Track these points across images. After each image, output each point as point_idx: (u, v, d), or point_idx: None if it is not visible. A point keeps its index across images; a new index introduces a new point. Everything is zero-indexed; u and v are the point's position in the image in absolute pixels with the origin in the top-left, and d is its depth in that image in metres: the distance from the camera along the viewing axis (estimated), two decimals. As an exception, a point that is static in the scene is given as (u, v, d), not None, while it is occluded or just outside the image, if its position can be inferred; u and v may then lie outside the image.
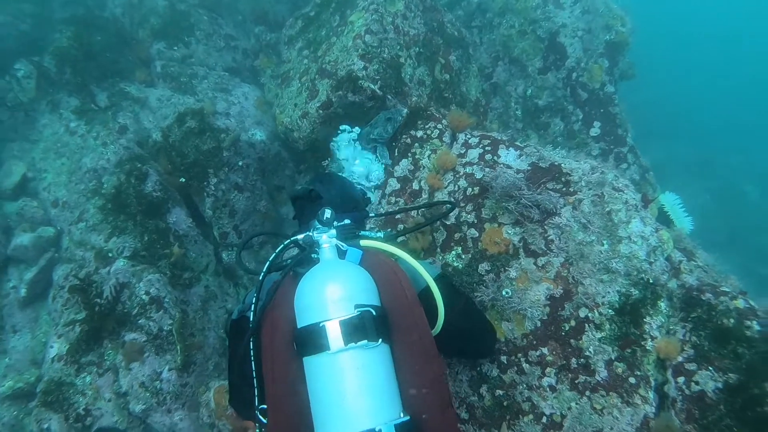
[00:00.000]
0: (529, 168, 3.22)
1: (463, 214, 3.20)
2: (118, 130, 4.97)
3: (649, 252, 2.81)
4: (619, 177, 3.06)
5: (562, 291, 2.82)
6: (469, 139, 3.50)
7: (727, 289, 2.71)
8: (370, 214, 2.96)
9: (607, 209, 2.90)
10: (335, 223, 2.19)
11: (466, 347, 2.52)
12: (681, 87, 15.25)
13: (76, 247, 4.42)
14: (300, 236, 2.10)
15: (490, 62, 5.19)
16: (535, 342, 2.79)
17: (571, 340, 2.72)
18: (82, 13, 6.40)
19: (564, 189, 3.08)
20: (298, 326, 1.76)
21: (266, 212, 5.10)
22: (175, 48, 5.94)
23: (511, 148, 3.36)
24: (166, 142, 4.73)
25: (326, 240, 2.03)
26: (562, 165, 3.16)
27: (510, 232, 3.05)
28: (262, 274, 2.02)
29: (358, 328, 1.68)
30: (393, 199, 3.46)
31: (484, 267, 3.02)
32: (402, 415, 1.63)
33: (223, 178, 4.73)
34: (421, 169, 3.48)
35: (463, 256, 3.11)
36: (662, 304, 2.76)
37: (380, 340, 1.70)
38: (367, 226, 3.45)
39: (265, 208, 5.11)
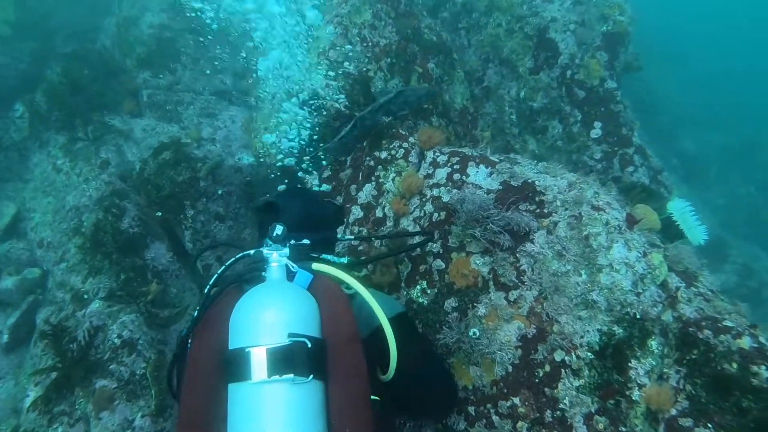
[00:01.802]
0: (500, 187, 2.86)
1: (429, 243, 2.87)
2: (100, 165, 4.90)
3: (636, 281, 2.41)
4: (600, 193, 2.66)
5: (535, 330, 2.46)
6: (438, 157, 3.17)
7: (730, 324, 2.27)
8: (343, 237, 2.81)
9: (585, 233, 2.52)
10: (292, 241, 2.03)
11: (421, 402, 2.20)
12: (717, 69, 14.21)
13: (58, 288, 4.35)
14: (252, 251, 1.98)
15: (480, 65, 4.82)
16: (505, 390, 2.44)
17: (546, 389, 2.35)
18: (75, 47, 6.43)
19: (538, 210, 2.71)
20: (229, 347, 1.61)
21: (252, 240, 4.91)
22: (161, 76, 5.86)
23: (481, 165, 3.01)
24: (141, 175, 4.61)
25: (276, 258, 1.87)
26: (536, 182, 2.79)
27: (479, 262, 2.70)
28: (207, 287, 1.91)
29: (287, 360, 1.51)
30: (356, 229, 3.17)
31: (450, 303, 2.69)
32: None
33: (202, 209, 4.56)
34: (385, 194, 3.18)
35: (429, 291, 2.79)
36: (653, 343, 2.35)
37: (311, 376, 1.52)
38: (339, 249, 3.21)
39: (251, 236, 4.92)
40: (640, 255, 2.45)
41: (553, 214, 2.65)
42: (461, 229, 2.76)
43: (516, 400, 2.39)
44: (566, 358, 2.36)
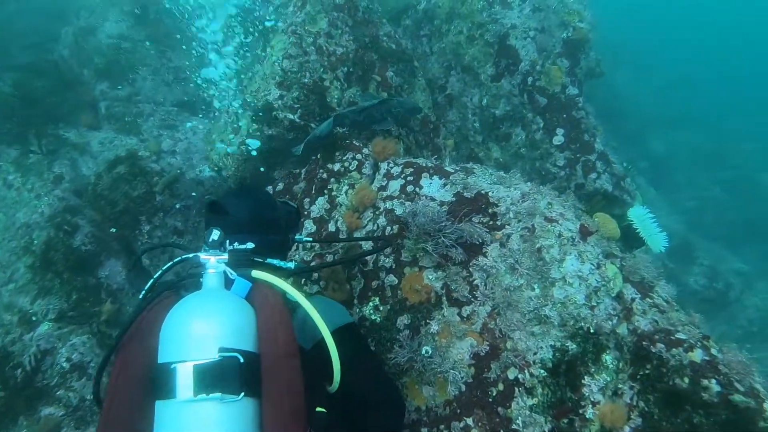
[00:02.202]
0: (453, 199, 2.79)
1: (381, 257, 2.79)
2: (53, 180, 4.71)
3: (590, 294, 2.34)
4: (554, 204, 2.60)
5: (488, 347, 2.38)
6: (392, 168, 3.09)
7: (683, 336, 2.22)
8: (300, 239, 2.60)
9: (537, 245, 2.45)
10: (235, 245, 1.91)
11: (365, 415, 2.06)
12: (684, 73, 14.46)
13: (5, 310, 4.15)
14: (192, 254, 1.84)
15: (443, 72, 4.77)
16: (459, 410, 2.35)
17: (499, 408, 2.27)
18: (31, 58, 6.24)
19: (491, 222, 2.64)
20: (158, 361, 1.49)
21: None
22: (120, 87, 5.70)
23: (435, 177, 2.93)
24: (95, 191, 4.44)
25: (213, 264, 1.71)
26: (490, 193, 2.72)
27: (431, 277, 2.62)
28: (143, 291, 1.81)
29: (215, 377, 1.40)
30: (309, 244, 3.06)
31: (403, 320, 2.60)
32: None
33: (159, 224, 4.41)
34: (337, 207, 3.08)
35: (381, 308, 2.69)
36: (607, 358, 2.29)
37: (242, 394, 1.42)
38: (295, 255, 3.07)
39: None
40: (593, 267, 2.39)
41: (506, 227, 2.58)
42: (413, 243, 2.67)
43: (469, 421, 2.30)
44: (519, 375, 2.28)
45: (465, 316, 2.48)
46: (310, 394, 1.62)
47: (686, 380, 2.06)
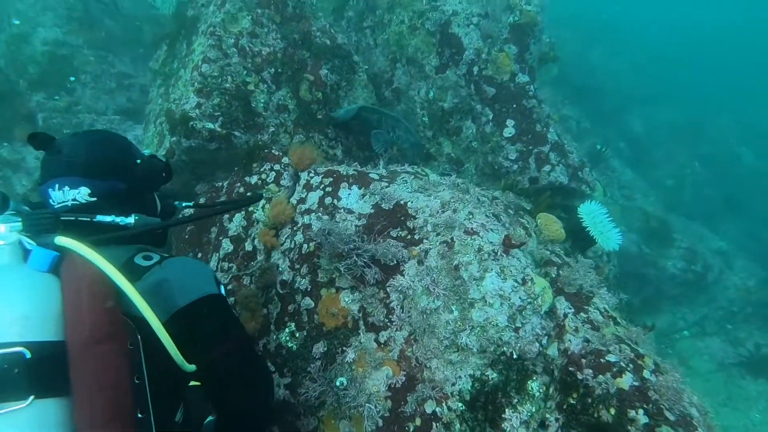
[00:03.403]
0: (371, 210, 2.55)
1: (297, 278, 2.55)
2: (-18, 202, 4.45)
3: (513, 315, 2.12)
4: (475, 214, 2.36)
5: (404, 378, 2.16)
6: (312, 178, 2.84)
7: (613, 358, 2.00)
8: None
9: (455, 263, 2.22)
10: (65, 189, 1.56)
11: (232, 397, 1.76)
12: (661, 49, 14.10)
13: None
14: None
15: (389, 65, 4.50)
16: (375, 449, 2.13)
17: (416, 447, 2.06)
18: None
19: (409, 237, 2.40)
20: None
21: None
22: (57, 97, 5.42)
23: (354, 186, 2.69)
24: (20, 212, 4.18)
25: (3, 234, 1.35)
26: (408, 204, 2.48)
27: (347, 299, 2.39)
28: None
29: None
30: (226, 265, 2.83)
31: (319, 348, 2.37)
32: None
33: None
34: (254, 224, 2.84)
35: (297, 335, 2.47)
36: (533, 385, 2.07)
37: (31, 397, 1.12)
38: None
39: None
40: (517, 284, 2.16)
41: (424, 241, 2.35)
42: (327, 263, 2.44)
43: (385, 462, 2.09)
44: (437, 409, 2.06)
45: (382, 342, 2.26)
46: (168, 373, 1.40)
47: (612, 411, 1.84)
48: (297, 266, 2.59)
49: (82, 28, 5.83)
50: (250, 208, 2.87)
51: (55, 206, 1.57)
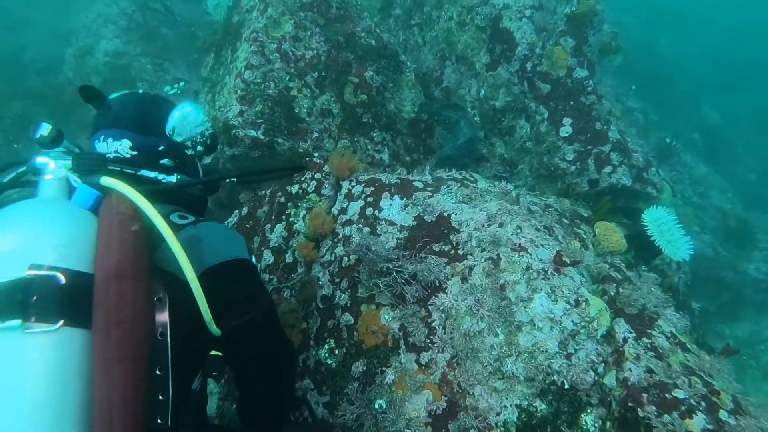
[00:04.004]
0: (413, 223, 2.43)
1: (338, 292, 2.47)
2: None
3: (564, 340, 1.93)
4: (524, 228, 2.18)
5: (446, 404, 2.03)
6: (354, 187, 2.75)
7: (681, 395, 1.77)
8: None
9: (501, 281, 2.05)
10: (109, 141, 1.61)
11: (253, 368, 1.73)
12: (737, 32, 12.90)
13: None
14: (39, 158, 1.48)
15: (437, 63, 4.33)
16: (415, 479, 2.02)
17: (458, 481, 1.92)
18: (40, 83, 6.31)
19: (452, 252, 2.26)
20: None
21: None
22: (117, 105, 5.63)
23: (396, 196, 2.57)
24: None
25: (52, 169, 1.43)
26: (452, 216, 2.33)
27: (388, 317, 2.29)
28: None
29: (12, 300, 1.10)
30: (267, 276, 2.79)
31: (358, 367, 2.28)
32: None
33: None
34: (295, 235, 2.78)
35: (337, 351, 2.39)
36: (587, 419, 1.88)
37: (60, 322, 1.11)
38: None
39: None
40: (569, 306, 1.97)
41: (469, 257, 2.19)
42: (367, 278, 2.34)
43: (425, 492, 1.97)
44: (480, 440, 1.92)
45: (423, 364, 2.14)
46: (192, 334, 1.38)
47: (679, 458, 1.63)
48: (337, 280, 2.50)
49: (140, 38, 6.04)
50: (291, 218, 2.82)
51: None
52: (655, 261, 3.18)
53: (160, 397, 1.28)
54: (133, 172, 1.59)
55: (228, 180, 2.10)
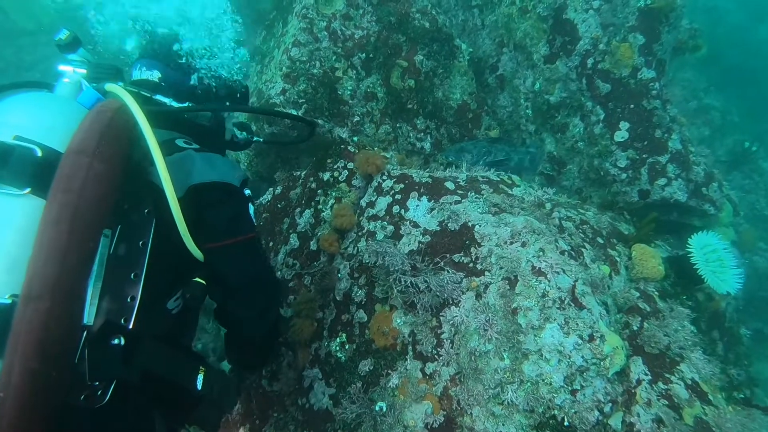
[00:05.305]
0: (437, 228, 2.38)
1: (355, 288, 2.49)
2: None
3: (571, 375, 1.86)
4: (546, 251, 2.08)
5: (443, 419, 2.03)
6: (384, 182, 2.71)
7: (686, 452, 1.68)
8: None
9: (514, 305, 1.99)
10: (143, 70, 1.90)
11: (236, 296, 1.75)
12: None
13: None
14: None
15: (495, 49, 4.12)
16: (405, 485, 2.05)
17: (445, 496, 1.94)
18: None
19: (471, 265, 2.20)
20: None
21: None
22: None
23: (424, 197, 2.52)
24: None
25: (70, 74, 1.64)
26: (476, 227, 2.26)
27: (400, 321, 2.28)
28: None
29: None
30: (291, 260, 2.84)
31: (366, 365, 2.31)
32: (8, 297, 1.16)
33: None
34: (321, 224, 2.80)
35: (347, 346, 2.42)
36: (584, 459, 1.82)
37: (27, 189, 1.24)
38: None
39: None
40: (581, 341, 1.88)
41: (486, 273, 2.13)
42: (384, 278, 2.33)
43: (412, 500, 2.01)
44: (472, 462, 1.91)
45: (428, 373, 2.14)
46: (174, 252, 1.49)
47: None
48: (356, 275, 2.51)
49: None
50: (319, 206, 2.83)
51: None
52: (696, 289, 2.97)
53: (128, 300, 1.38)
54: (149, 95, 1.78)
55: (240, 140, 2.33)
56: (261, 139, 2.69)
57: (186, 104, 1.87)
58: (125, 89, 1.56)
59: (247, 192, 1.80)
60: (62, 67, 1.63)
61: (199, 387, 1.51)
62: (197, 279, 1.61)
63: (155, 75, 1.91)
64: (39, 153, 1.27)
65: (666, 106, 3.50)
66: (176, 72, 1.96)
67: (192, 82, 2.02)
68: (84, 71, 1.64)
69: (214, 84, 2.09)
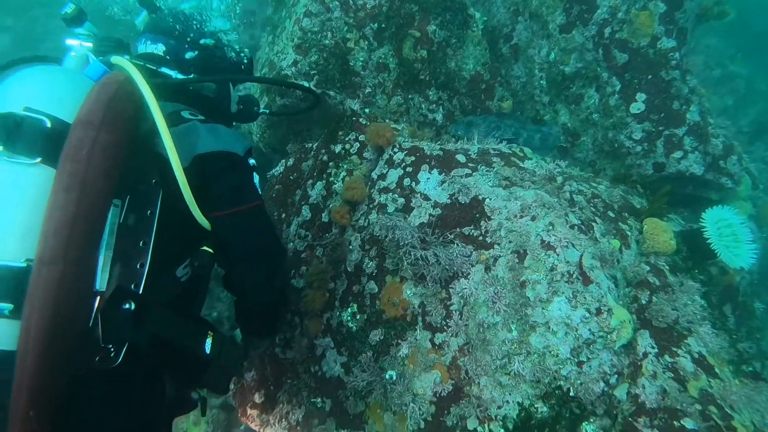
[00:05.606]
0: (447, 201, 2.39)
1: (366, 259, 2.52)
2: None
3: (578, 347, 1.89)
4: (555, 225, 2.09)
5: (452, 387, 2.08)
6: (395, 154, 2.71)
7: (690, 424, 1.72)
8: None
9: (522, 278, 2.01)
10: (147, 43, 1.98)
11: (242, 264, 1.78)
12: None
13: None
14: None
15: (510, 18, 4.02)
16: (413, 450, 2.12)
17: (452, 460, 2.01)
18: None
19: (481, 238, 2.22)
20: None
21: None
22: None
23: (435, 170, 2.52)
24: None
25: (77, 47, 1.70)
26: (486, 201, 2.27)
27: (410, 292, 2.32)
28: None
29: (6, 130, 1.28)
30: (303, 232, 2.87)
31: (376, 335, 2.37)
32: (24, 261, 1.22)
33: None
34: (333, 196, 2.82)
35: (359, 317, 2.47)
36: (588, 428, 1.87)
37: (38, 159, 1.29)
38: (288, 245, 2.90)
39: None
40: (588, 314, 1.90)
41: (495, 246, 2.15)
42: (394, 250, 2.36)
43: (421, 464, 2.08)
44: (479, 428, 1.97)
45: (437, 344, 2.18)
46: (182, 221, 1.54)
47: (671, 488, 1.60)
48: (367, 247, 2.54)
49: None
50: (331, 178, 2.85)
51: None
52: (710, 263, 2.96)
53: (138, 267, 1.43)
54: (154, 68, 1.81)
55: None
56: (267, 111, 2.81)
57: (191, 76, 1.90)
58: (131, 62, 1.59)
59: (252, 161, 1.83)
60: (69, 41, 1.67)
61: (208, 351, 1.57)
62: (205, 248, 1.66)
63: (160, 48, 1.96)
64: (48, 123, 1.31)
65: (686, 77, 3.41)
66: (178, 43, 2.00)
67: (196, 53, 2.04)
68: (90, 45, 1.69)
69: (218, 54, 2.12)
